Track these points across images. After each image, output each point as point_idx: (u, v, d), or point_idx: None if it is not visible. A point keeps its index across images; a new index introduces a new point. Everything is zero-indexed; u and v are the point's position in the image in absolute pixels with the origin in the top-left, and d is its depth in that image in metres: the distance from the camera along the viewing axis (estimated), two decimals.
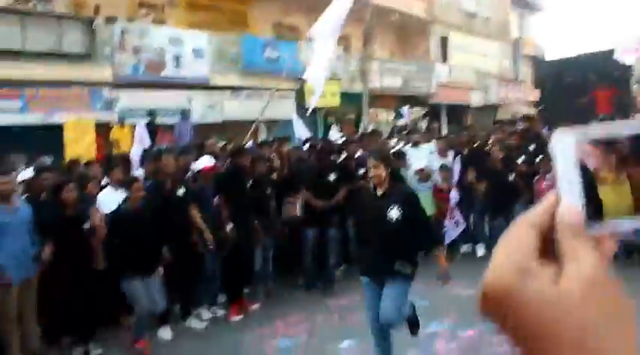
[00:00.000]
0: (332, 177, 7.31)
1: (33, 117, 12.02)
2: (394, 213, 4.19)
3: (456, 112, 26.13)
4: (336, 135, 10.65)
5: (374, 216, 4.34)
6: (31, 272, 5.28)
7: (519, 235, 0.48)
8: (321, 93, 18.57)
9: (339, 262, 7.75)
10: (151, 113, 13.49)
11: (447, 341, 5.23)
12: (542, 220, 0.49)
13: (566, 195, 0.47)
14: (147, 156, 7.19)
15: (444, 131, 25.57)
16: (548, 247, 0.48)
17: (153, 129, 13.36)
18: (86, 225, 5.47)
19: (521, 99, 28.71)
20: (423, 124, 24.20)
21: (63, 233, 5.34)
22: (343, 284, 7.40)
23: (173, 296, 6.05)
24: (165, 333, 5.84)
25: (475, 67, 26.03)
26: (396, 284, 4.21)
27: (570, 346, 0.44)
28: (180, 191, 6.10)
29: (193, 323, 6.14)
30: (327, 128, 20.67)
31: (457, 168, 8.60)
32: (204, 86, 15.21)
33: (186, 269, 5.96)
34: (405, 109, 17.94)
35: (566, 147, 0.46)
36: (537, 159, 7.90)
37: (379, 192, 4.30)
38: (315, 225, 7.18)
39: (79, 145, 7.91)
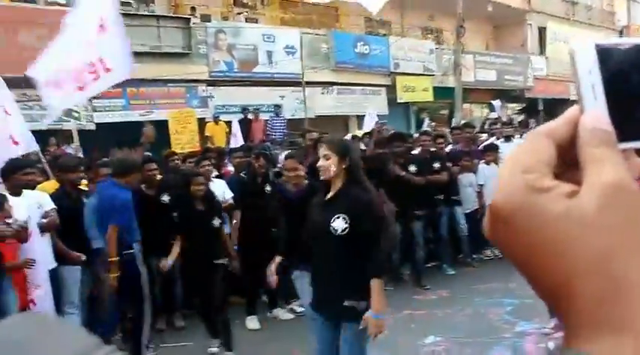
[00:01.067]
0: (412, 168, 7.20)
1: (134, 115, 12.69)
2: (338, 223, 3.05)
3: (555, 107, 24.97)
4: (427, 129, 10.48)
5: (317, 228, 3.20)
6: None
7: (533, 146, 0.40)
8: (413, 88, 18.48)
9: (428, 257, 7.64)
10: (245, 109, 13.88)
11: (537, 342, 5.03)
12: (561, 130, 0.41)
13: (589, 104, 0.41)
14: (237, 151, 7.34)
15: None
16: (568, 161, 0.40)
17: (246, 126, 13.75)
18: (215, 222, 5.29)
19: None
20: (519, 119, 23.38)
21: (194, 228, 5.23)
22: (431, 279, 7.31)
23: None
24: (253, 323, 5.96)
25: None
26: (351, 330, 3.08)
27: (587, 271, 0.36)
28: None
29: (281, 313, 6.23)
30: (420, 123, 20.38)
31: None
32: (296, 82, 15.43)
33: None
34: (497, 102, 17.35)
35: (587, 54, 0.41)
36: None
37: (328, 196, 3.19)
38: (400, 218, 7.07)
39: (183, 136, 8.27)
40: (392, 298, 5.25)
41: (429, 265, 7.87)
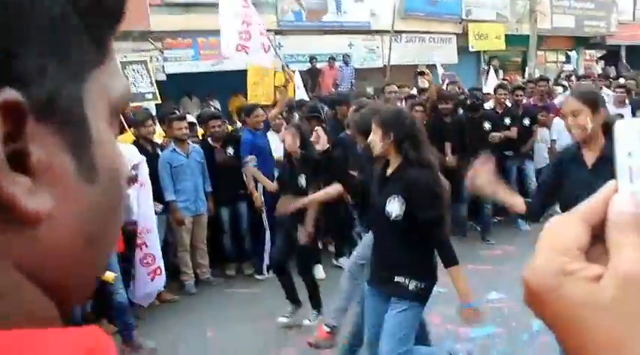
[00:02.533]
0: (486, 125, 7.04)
1: (204, 65, 12.89)
2: (393, 206, 2.86)
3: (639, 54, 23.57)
4: (493, 80, 10.11)
5: (375, 206, 3.07)
6: (203, 208, 5.83)
7: (567, 228, 0.42)
8: (485, 36, 17.81)
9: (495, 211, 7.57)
10: (313, 58, 13.87)
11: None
12: (595, 212, 0.42)
13: (624, 186, 0.41)
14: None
15: (622, 78, 23.33)
16: (600, 243, 0.42)
17: (315, 75, 13.75)
18: None
19: None
20: (598, 68, 22.24)
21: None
22: (498, 234, 7.26)
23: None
24: (319, 272, 6.13)
25: None
26: (397, 306, 2.96)
27: (606, 351, 0.38)
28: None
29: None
30: (488, 73, 19.73)
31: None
32: (364, 31, 15.19)
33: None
34: (574, 53, 16.52)
35: (630, 135, 0.41)
36: None
37: (388, 172, 2.99)
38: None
39: (260, 89, 8.40)
40: (456, 251, 5.24)
41: (497, 219, 7.81)
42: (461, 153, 6.95)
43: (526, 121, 7.54)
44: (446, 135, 6.93)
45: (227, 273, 6.17)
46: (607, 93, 8.68)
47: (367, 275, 3.24)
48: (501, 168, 7.40)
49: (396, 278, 2.91)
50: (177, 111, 7.56)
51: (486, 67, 15.59)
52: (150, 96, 7.51)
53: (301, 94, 8.45)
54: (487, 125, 6.99)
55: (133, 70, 7.38)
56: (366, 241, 4.08)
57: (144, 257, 4.82)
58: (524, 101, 8.12)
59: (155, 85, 7.74)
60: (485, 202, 7.11)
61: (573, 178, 2.83)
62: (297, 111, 6.72)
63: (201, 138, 6.40)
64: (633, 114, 7.91)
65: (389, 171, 2.95)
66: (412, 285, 2.89)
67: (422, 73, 8.84)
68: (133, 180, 4.70)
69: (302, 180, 4.63)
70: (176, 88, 12.40)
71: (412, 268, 2.91)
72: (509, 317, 4.75)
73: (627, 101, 8.12)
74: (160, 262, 5.01)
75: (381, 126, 2.87)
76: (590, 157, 2.80)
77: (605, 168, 2.69)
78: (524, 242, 6.90)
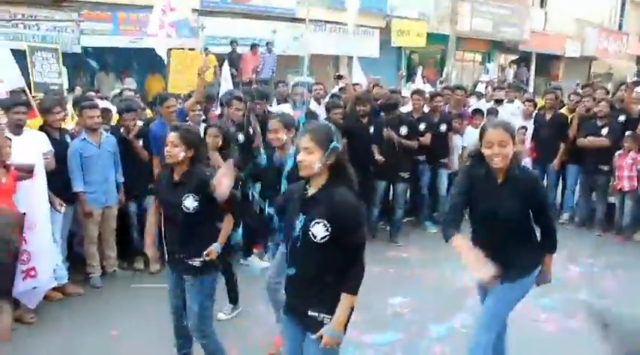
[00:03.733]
0: (403, 130, 7.21)
1: (123, 40, 12.43)
2: (317, 230, 2.63)
3: (547, 62, 24.87)
4: (420, 83, 10.36)
5: (292, 228, 2.78)
6: (113, 200, 5.67)
7: None
8: (407, 32, 18.18)
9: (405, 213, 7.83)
10: (233, 42, 13.67)
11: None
12: None
13: None
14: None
15: (531, 82, 24.52)
16: None
17: (236, 60, 13.57)
18: None
19: (622, 52, 26.88)
20: (511, 71, 23.27)
21: None
22: (406, 236, 7.55)
23: None
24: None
25: (575, 14, 24.37)
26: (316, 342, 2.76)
27: None
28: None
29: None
30: (411, 68, 20.18)
31: (530, 131, 8.39)
32: (289, 18, 15.13)
33: None
34: (491, 65, 17.27)
35: None
36: (626, 134, 7.52)
37: (309, 193, 2.75)
38: (385, 177, 7.22)
39: (184, 78, 7.92)
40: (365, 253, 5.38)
41: (406, 220, 8.10)
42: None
43: (442, 128, 7.80)
44: (363, 138, 7.04)
45: (135, 267, 6.05)
46: (517, 106, 9.15)
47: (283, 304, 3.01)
48: (414, 172, 7.70)
49: (310, 313, 2.72)
50: (92, 93, 7.29)
51: (405, 72, 15.91)
52: (56, 87, 7.10)
53: (227, 87, 8.26)
54: (404, 130, 7.17)
55: (42, 58, 6.97)
56: (279, 259, 4.15)
57: (21, 253, 4.46)
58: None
59: (64, 75, 7.34)
60: (399, 205, 7.36)
61: (484, 193, 3.22)
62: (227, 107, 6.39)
63: (114, 125, 6.18)
64: (535, 125, 8.38)
65: (310, 192, 2.72)
66: (327, 320, 2.70)
67: (340, 77, 8.98)
68: (30, 170, 4.53)
69: None
70: (92, 61, 11.95)
71: (328, 304, 2.70)
72: (411, 324, 4.93)
73: (532, 115, 8.57)
74: (38, 263, 4.64)
75: (321, 145, 2.64)
76: (500, 177, 3.20)
77: (512, 185, 3.14)
78: (431, 245, 7.21)
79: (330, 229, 2.60)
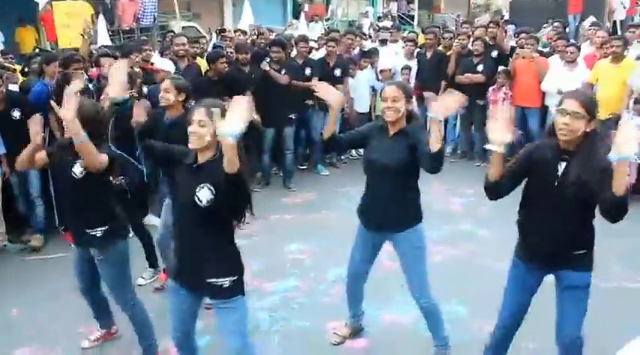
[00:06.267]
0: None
1: None
2: (203, 194, 2.71)
3: None
4: (303, 28, 10.34)
5: (182, 196, 2.84)
6: None
7: None
8: None
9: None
10: None
11: None
12: None
13: None
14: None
15: (416, 15, 25.09)
16: None
17: (112, 6, 12.84)
18: None
19: None
20: (395, 5, 23.65)
21: None
22: (300, 181, 7.77)
23: None
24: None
25: None
26: (222, 307, 2.89)
27: None
28: None
29: None
30: (297, 6, 20.01)
31: (414, 71, 8.73)
32: None
33: None
34: (371, 9, 17.50)
35: None
36: (499, 69, 8.02)
37: (197, 161, 2.83)
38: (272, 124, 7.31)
39: (72, 32, 7.22)
40: (260, 201, 5.51)
41: (301, 167, 8.31)
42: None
43: (337, 72, 7.92)
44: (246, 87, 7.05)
45: (23, 239, 5.84)
46: (401, 46, 9.40)
47: (172, 269, 3.04)
48: (304, 117, 7.86)
49: (209, 281, 2.78)
50: None
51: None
52: None
53: (104, 39, 7.86)
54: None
55: None
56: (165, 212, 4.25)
57: None
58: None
59: None
60: (287, 149, 7.51)
61: (377, 146, 3.45)
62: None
63: None
64: (418, 64, 8.71)
65: (199, 161, 2.78)
66: (227, 283, 2.79)
67: (223, 31, 8.85)
68: None
69: None
70: None
71: (222, 265, 2.81)
72: (309, 269, 5.18)
73: (415, 54, 8.88)
74: None
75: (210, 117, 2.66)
76: (392, 130, 3.42)
77: (401, 139, 3.34)
78: (324, 189, 7.48)
79: (215, 193, 2.66)
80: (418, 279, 3.54)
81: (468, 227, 6.16)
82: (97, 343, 3.99)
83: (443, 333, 3.68)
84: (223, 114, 2.44)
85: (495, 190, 2.93)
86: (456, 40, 8.48)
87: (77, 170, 3.33)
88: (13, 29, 12.66)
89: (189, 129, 2.74)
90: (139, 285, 4.70)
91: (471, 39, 8.55)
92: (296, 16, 15.45)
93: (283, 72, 7.22)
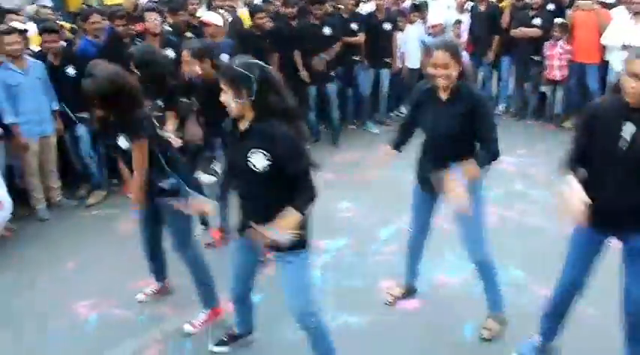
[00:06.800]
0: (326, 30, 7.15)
1: None
2: (257, 159, 2.66)
3: None
4: None
5: (235, 162, 2.85)
6: (49, 129, 5.49)
7: None
8: None
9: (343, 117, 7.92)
10: None
11: None
12: None
13: None
14: None
15: None
16: None
17: None
18: None
19: None
20: None
21: None
22: (349, 139, 7.68)
23: None
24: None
25: None
26: (287, 261, 2.87)
27: None
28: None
29: None
30: None
31: (466, 25, 8.42)
32: None
33: None
34: None
35: None
36: (554, 21, 7.64)
37: (241, 127, 2.73)
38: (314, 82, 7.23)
39: None
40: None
41: (352, 127, 8.20)
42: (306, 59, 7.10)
43: (386, 26, 7.73)
44: (292, 41, 6.97)
45: (78, 195, 5.97)
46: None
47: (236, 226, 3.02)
48: (352, 73, 7.72)
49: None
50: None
51: None
52: None
53: None
54: (327, 30, 7.14)
55: None
56: None
57: None
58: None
59: None
60: (333, 106, 7.41)
61: (429, 113, 3.29)
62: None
63: (38, 51, 5.82)
64: (471, 18, 8.39)
65: (242, 126, 2.69)
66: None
67: None
68: None
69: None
70: None
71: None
72: (359, 228, 5.14)
73: (467, 7, 8.55)
74: None
75: (233, 85, 2.59)
76: (444, 96, 3.23)
77: (456, 104, 3.16)
78: (375, 147, 7.35)
79: (268, 159, 2.59)
80: (476, 231, 3.41)
81: (521, 187, 6.00)
82: (153, 296, 4.07)
83: (498, 295, 3.59)
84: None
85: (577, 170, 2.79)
86: None
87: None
88: None
89: (221, 98, 2.67)
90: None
91: None
92: None
93: (326, 28, 7.08)
